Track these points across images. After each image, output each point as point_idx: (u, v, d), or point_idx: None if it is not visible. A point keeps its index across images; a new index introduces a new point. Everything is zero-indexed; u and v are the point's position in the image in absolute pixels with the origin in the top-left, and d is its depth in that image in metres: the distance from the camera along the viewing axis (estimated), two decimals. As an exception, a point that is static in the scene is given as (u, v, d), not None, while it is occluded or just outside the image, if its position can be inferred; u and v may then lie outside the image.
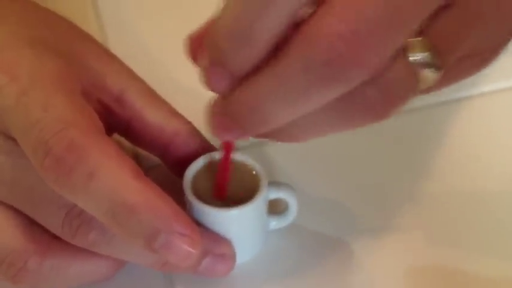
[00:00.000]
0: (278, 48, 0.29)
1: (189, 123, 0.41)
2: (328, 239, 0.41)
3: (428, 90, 0.32)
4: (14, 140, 0.35)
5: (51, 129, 0.33)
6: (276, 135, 0.32)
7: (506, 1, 0.32)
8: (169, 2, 0.56)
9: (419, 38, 0.30)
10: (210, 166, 0.40)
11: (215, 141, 0.41)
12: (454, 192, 0.44)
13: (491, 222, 0.42)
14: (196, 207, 0.38)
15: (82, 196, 0.33)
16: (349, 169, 0.45)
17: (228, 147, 0.37)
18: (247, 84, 0.30)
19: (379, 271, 0.40)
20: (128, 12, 0.56)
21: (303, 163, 0.45)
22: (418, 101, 0.47)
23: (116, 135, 0.41)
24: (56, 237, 0.36)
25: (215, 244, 0.38)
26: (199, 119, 0.41)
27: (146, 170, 0.35)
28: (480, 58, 0.33)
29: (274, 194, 0.40)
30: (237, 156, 0.40)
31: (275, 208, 0.41)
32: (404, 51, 0.30)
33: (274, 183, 0.39)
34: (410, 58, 0.30)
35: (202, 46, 0.31)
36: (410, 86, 0.31)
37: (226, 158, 0.37)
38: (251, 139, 0.42)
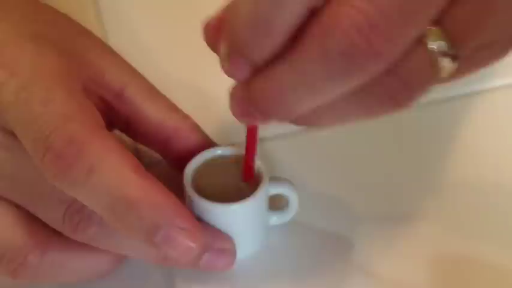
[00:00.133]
0: (298, 37, 0.29)
1: (189, 118, 0.41)
2: (329, 234, 0.41)
3: (448, 79, 0.32)
4: (14, 135, 0.35)
5: (51, 124, 0.33)
6: (300, 120, 0.32)
7: None
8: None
9: (436, 28, 0.30)
10: (210, 162, 0.40)
11: (215, 137, 0.41)
12: (461, 188, 0.43)
13: (499, 216, 0.42)
14: (196, 202, 0.38)
15: (82, 191, 0.33)
16: (351, 165, 0.45)
17: (252, 132, 0.37)
18: (267, 72, 0.30)
19: (380, 267, 0.40)
20: (128, 8, 0.56)
21: (304, 159, 0.45)
22: (426, 97, 0.47)
23: (116, 131, 0.41)
24: (56, 232, 0.36)
25: (216, 239, 0.38)
26: (199, 114, 0.41)
27: (147, 166, 0.35)
28: (499, 47, 0.33)
29: (275, 190, 0.40)
30: (237, 152, 0.40)
31: (276, 204, 0.41)
32: (422, 40, 0.30)
33: (274, 179, 0.39)
34: (428, 47, 0.30)
35: (220, 34, 0.31)
36: (428, 75, 0.31)
37: (251, 140, 0.37)
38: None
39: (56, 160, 0.33)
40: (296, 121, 0.32)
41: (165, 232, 0.33)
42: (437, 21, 0.30)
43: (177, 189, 0.36)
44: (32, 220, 0.36)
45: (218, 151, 0.40)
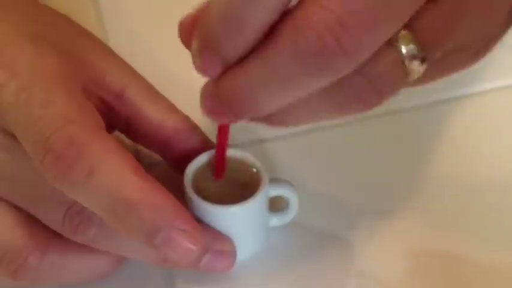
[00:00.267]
0: (269, 35, 0.29)
1: (189, 120, 0.41)
2: (329, 236, 0.41)
3: (418, 82, 0.32)
4: (14, 136, 0.35)
5: (51, 126, 0.33)
6: (267, 120, 0.33)
7: None
8: (170, -1, 0.56)
9: (407, 31, 0.31)
10: (211, 163, 0.40)
11: (215, 139, 0.41)
12: (458, 190, 0.43)
13: (492, 217, 0.42)
14: (197, 204, 0.38)
15: (82, 192, 0.33)
16: (350, 166, 0.45)
17: (222, 129, 0.37)
18: (237, 69, 0.30)
19: (380, 268, 0.40)
20: (128, 9, 0.56)
21: (304, 160, 0.45)
22: (419, 99, 0.47)
23: (116, 133, 0.41)
24: (56, 234, 0.36)
25: (216, 241, 0.38)
26: (199, 116, 0.41)
27: (147, 167, 0.35)
28: (470, 52, 0.33)
29: (275, 191, 0.40)
30: (237, 153, 0.40)
31: (276, 205, 0.40)
32: (391, 43, 0.30)
33: (274, 181, 0.39)
34: (398, 50, 0.31)
35: (194, 31, 0.31)
36: (397, 77, 0.31)
37: (221, 139, 0.37)
38: (251, 136, 0.42)
39: (56, 162, 0.33)
40: (266, 121, 0.33)
41: (165, 234, 0.33)
42: (408, 25, 0.30)
43: (177, 190, 0.36)
44: (32, 221, 0.36)
45: (218, 152, 0.40)
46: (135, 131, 0.40)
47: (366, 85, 0.31)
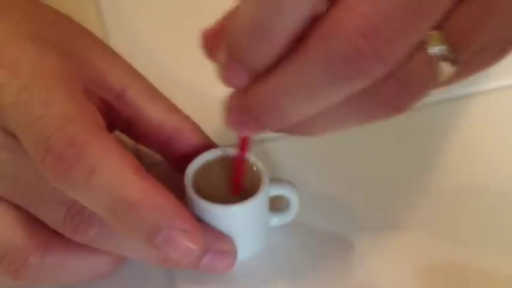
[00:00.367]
0: (297, 44, 0.29)
1: (190, 120, 0.41)
2: (330, 236, 0.41)
3: (447, 83, 0.32)
4: (14, 136, 0.35)
5: (52, 126, 0.33)
6: (293, 129, 0.32)
7: None
8: (171, -1, 0.56)
9: (436, 32, 0.30)
10: (211, 163, 0.40)
11: (215, 138, 0.41)
12: (458, 189, 0.43)
13: (496, 220, 0.42)
14: (197, 203, 0.38)
15: (83, 192, 0.33)
16: (351, 166, 0.45)
17: (244, 142, 0.37)
18: (266, 79, 0.30)
19: (381, 268, 0.40)
20: (129, 9, 0.56)
21: (305, 160, 0.45)
22: (423, 99, 0.47)
23: (117, 132, 0.41)
24: (56, 233, 0.36)
25: (216, 240, 0.38)
26: (200, 115, 0.41)
27: (147, 167, 0.35)
28: (497, 50, 0.33)
29: (276, 191, 0.40)
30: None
31: (276, 205, 0.40)
32: (422, 44, 0.30)
33: (275, 180, 0.39)
34: (428, 51, 0.30)
35: (219, 42, 0.30)
36: (428, 79, 0.31)
37: (242, 153, 0.37)
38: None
39: (56, 161, 0.33)
40: (291, 130, 0.32)
41: (166, 234, 0.33)
42: (439, 26, 0.30)
43: (177, 190, 0.36)
44: (32, 221, 0.36)
45: (219, 152, 0.40)
46: (136, 131, 0.40)
47: (396, 88, 0.30)
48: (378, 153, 0.46)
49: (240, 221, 0.39)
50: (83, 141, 0.33)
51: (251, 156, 0.39)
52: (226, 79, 0.31)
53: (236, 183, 0.39)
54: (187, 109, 0.41)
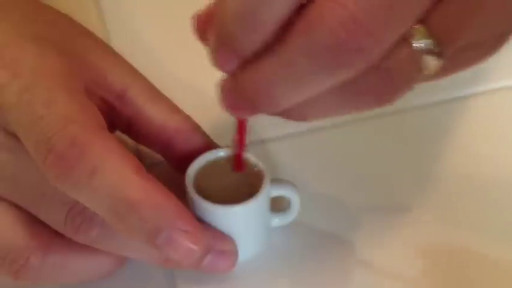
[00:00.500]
0: (285, 31, 0.29)
1: (191, 120, 0.41)
2: (331, 236, 0.41)
3: (432, 78, 0.32)
4: (16, 136, 0.35)
5: (53, 126, 0.33)
6: (286, 114, 0.33)
7: None
8: (171, -1, 0.56)
9: (421, 26, 0.30)
10: (212, 163, 0.40)
11: (216, 138, 0.41)
12: (459, 190, 0.43)
13: (496, 220, 0.42)
14: (198, 204, 0.38)
15: (84, 193, 0.33)
16: (352, 166, 0.45)
17: (242, 124, 0.37)
18: (254, 65, 0.30)
19: (382, 268, 0.40)
20: (130, 9, 0.56)
21: (306, 160, 0.45)
22: (422, 99, 0.47)
23: (118, 133, 0.41)
24: (58, 234, 0.36)
25: (217, 241, 0.38)
26: (201, 116, 0.41)
27: (148, 167, 0.35)
28: (483, 48, 0.33)
29: (277, 192, 0.40)
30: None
31: (277, 205, 0.41)
32: (406, 38, 0.30)
33: (276, 181, 0.39)
34: (413, 45, 0.31)
35: (210, 26, 0.31)
36: (412, 73, 0.31)
37: (240, 135, 0.38)
38: (253, 137, 0.42)
39: (58, 162, 0.33)
40: (286, 115, 0.33)
41: (167, 234, 0.33)
42: (423, 20, 0.30)
43: (178, 190, 0.36)
44: (34, 222, 0.36)
45: (220, 153, 0.40)
46: (137, 131, 0.40)
47: (380, 81, 0.31)
48: (378, 154, 0.46)
49: (241, 221, 0.39)
50: (84, 141, 0.33)
51: (252, 157, 0.39)
52: (217, 63, 0.31)
53: (238, 162, 0.39)
54: (187, 109, 0.41)
